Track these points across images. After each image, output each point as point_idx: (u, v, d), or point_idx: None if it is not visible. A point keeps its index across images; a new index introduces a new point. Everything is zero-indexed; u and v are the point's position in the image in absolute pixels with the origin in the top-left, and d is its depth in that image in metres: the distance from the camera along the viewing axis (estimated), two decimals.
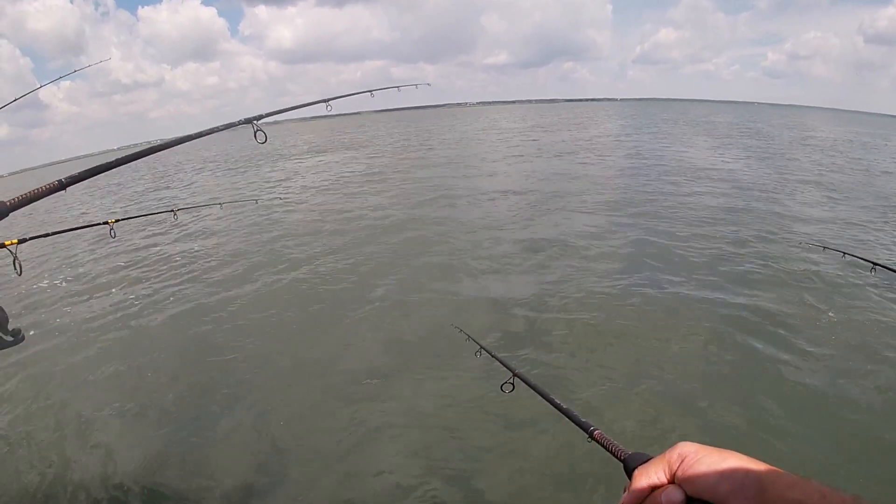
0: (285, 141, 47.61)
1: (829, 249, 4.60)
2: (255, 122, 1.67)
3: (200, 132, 1.60)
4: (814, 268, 6.45)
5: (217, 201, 6.14)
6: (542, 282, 6.80)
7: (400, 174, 17.73)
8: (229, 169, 26.56)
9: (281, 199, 15.21)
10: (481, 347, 2.26)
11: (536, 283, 6.82)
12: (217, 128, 1.72)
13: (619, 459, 0.79)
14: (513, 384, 1.65)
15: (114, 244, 10.76)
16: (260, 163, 27.70)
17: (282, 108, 2.03)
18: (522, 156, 20.97)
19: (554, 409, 1.22)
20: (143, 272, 9.21)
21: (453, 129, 45.83)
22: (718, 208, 10.23)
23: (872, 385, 4.21)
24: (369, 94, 2.69)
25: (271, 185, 19.00)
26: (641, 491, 0.61)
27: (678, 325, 5.43)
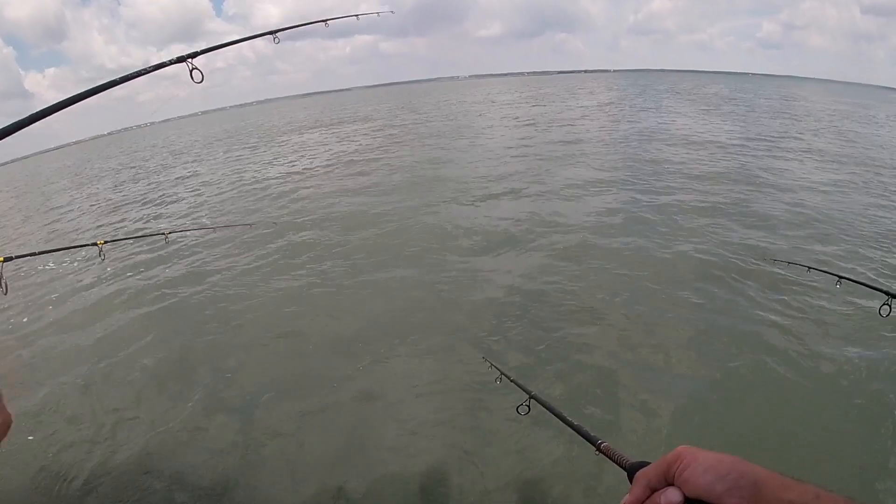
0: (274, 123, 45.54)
1: (793, 264, 4.44)
2: (189, 59, 1.60)
3: (126, 76, 1.57)
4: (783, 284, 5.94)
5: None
6: (559, 287, 6.44)
7: (391, 162, 16.24)
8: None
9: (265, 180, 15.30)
10: (501, 374, 2.26)
11: (552, 289, 6.44)
12: (146, 69, 1.66)
13: (623, 468, 0.81)
14: (528, 406, 1.67)
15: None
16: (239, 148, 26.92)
17: (221, 42, 2.03)
18: (523, 140, 19.02)
19: (566, 426, 1.27)
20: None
21: (444, 104, 44.29)
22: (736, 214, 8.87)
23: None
24: (324, 24, 2.55)
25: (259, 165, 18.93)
26: (642, 493, 0.63)
27: (681, 327, 5.28)
